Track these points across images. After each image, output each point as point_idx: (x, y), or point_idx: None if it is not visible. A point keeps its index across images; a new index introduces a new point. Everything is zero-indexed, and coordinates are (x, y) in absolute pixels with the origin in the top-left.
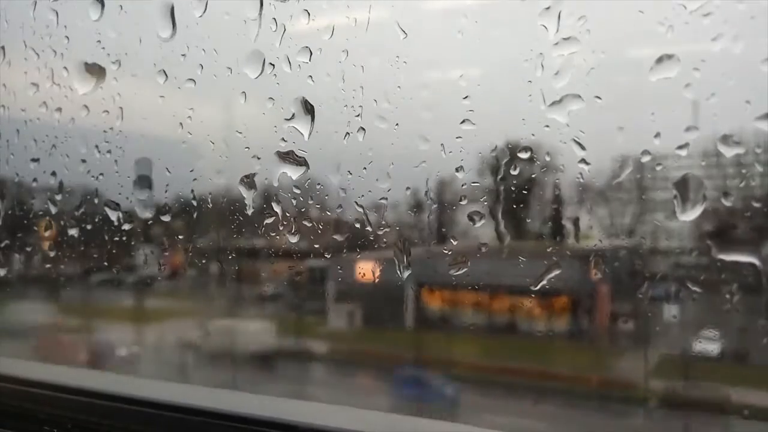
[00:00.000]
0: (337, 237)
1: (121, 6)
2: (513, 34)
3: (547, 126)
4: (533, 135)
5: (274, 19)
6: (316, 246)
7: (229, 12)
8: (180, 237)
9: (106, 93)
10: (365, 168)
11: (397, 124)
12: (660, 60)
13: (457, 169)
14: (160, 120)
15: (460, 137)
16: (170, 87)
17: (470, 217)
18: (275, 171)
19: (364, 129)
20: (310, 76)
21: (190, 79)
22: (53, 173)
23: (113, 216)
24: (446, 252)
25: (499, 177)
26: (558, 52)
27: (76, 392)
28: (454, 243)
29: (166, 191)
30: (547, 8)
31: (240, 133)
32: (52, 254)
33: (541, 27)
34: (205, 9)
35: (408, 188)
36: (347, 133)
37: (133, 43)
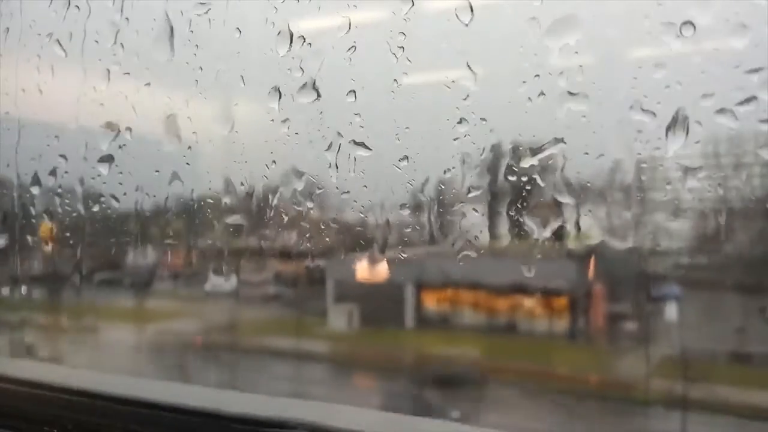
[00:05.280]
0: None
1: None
2: (512, 34)
3: (547, 126)
4: (533, 136)
5: (269, 19)
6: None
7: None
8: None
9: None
10: (363, 170)
11: (395, 122)
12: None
13: (455, 169)
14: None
15: (457, 138)
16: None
17: (469, 217)
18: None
19: (364, 128)
20: (309, 76)
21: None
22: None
23: None
24: (446, 252)
25: (499, 177)
26: (558, 52)
27: (76, 392)
28: (453, 243)
29: None
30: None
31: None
32: None
33: (539, 26)
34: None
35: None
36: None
37: None
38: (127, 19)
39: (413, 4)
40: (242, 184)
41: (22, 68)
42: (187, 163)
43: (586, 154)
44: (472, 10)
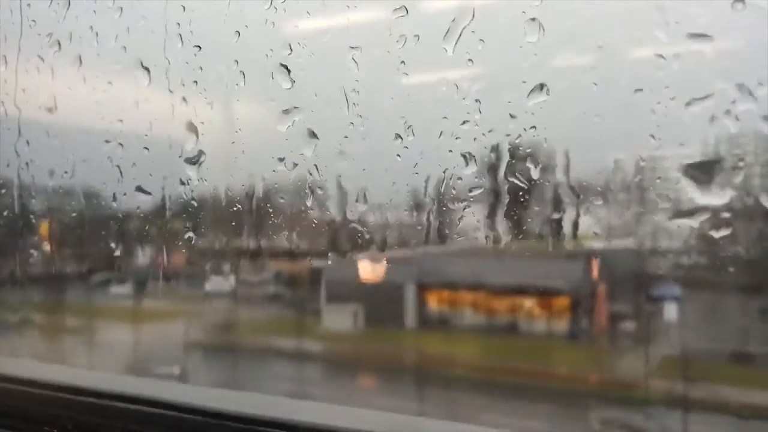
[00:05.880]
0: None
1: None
2: (512, 34)
3: (546, 127)
4: (534, 135)
5: (269, 20)
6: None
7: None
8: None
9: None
10: (365, 169)
11: (398, 125)
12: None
13: (457, 169)
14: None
15: (459, 138)
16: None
17: (469, 217)
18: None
19: (364, 128)
20: (309, 76)
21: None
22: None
23: None
24: (447, 252)
25: (499, 177)
26: (558, 52)
27: (76, 392)
28: (454, 243)
29: None
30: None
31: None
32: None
33: (540, 26)
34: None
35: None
36: (346, 135)
37: None
38: (125, 17)
39: (410, 5)
40: (243, 185)
41: (21, 68)
42: (192, 162)
43: (587, 152)
44: (472, 11)
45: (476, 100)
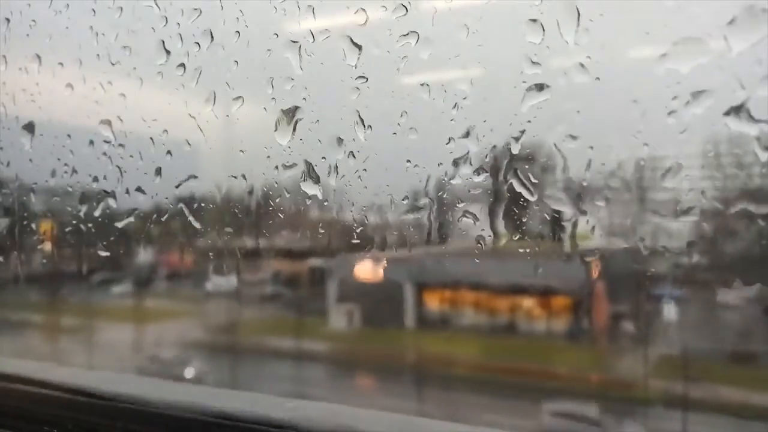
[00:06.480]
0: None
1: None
2: (512, 33)
3: (546, 127)
4: (534, 136)
5: (268, 20)
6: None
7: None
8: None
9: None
10: (365, 169)
11: (398, 124)
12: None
13: (457, 166)
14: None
15: (459, 137)
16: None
17: (468, 217)
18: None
19: (364, 128)
20: (309, 76)
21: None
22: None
23: None
24: (446, 252)
25: (499, 177)
26: (558, 52)
27: (76, 392)
28: (453, 243)
29: None
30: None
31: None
32: None
33: (540, 26)
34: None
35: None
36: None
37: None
38: (125, 17)
39: (410, 5)
40: (243, 177)
41: (22, 68)
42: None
43: (586, 152)
44: (472, 11)
45: (476, 100)
